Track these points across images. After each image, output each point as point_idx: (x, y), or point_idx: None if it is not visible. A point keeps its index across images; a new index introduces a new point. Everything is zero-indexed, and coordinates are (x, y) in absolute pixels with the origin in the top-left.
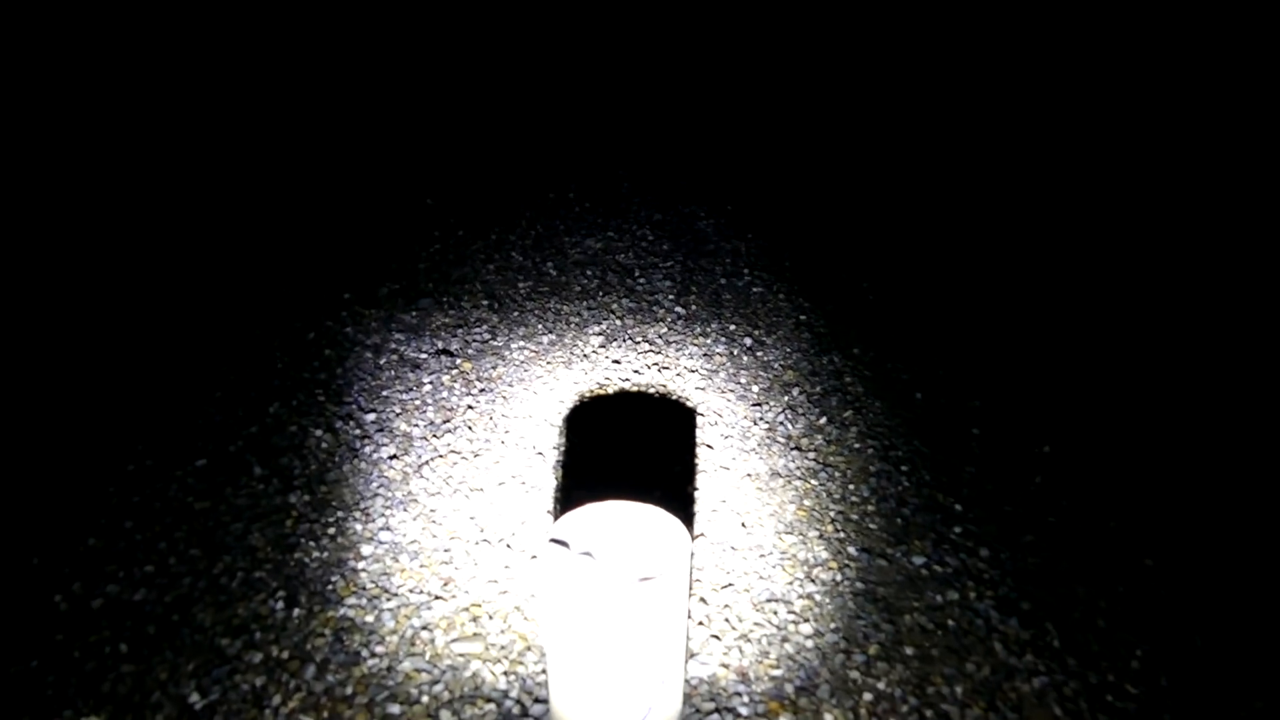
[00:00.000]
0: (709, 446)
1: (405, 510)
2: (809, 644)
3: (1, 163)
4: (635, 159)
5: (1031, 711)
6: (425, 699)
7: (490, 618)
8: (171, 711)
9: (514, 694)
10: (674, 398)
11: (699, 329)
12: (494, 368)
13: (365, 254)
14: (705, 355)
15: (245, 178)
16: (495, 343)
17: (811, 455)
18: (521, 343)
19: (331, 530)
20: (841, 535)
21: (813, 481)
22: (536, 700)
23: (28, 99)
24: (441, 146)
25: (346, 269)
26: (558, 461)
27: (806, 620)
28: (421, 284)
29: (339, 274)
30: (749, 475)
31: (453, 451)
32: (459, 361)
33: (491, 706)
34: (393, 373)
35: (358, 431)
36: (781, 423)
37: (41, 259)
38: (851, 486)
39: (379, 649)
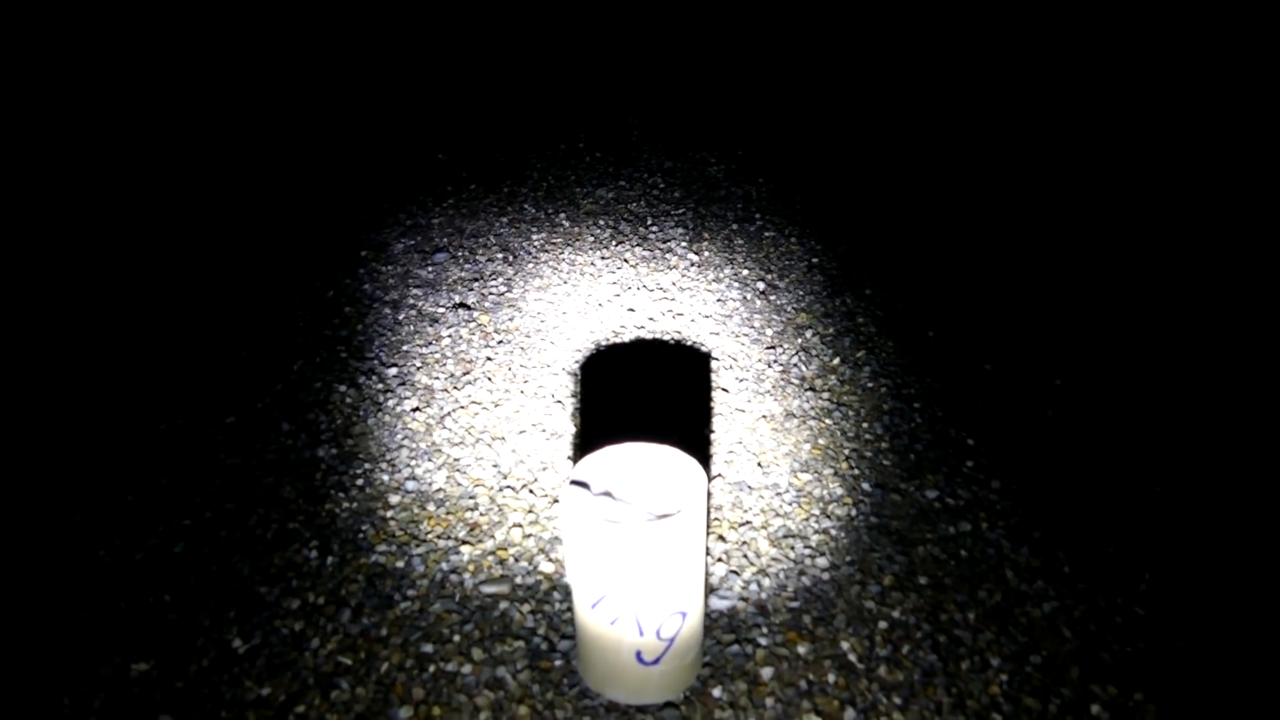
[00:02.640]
0: (724, 390)
1: (430, 460)
2: (825, 577)
3: (27, 125)
4: (645, 107)
5: (1042, 634)
6: (457, 638)
7: (516, 560)
8: (216, 656)
9: (541, 631)
10: (689, 343)
11: (712, 275)
12: (511, 320)
13: (380, 211)
14: (719, 300)
15: (259, 139)
16: (511, 295)
17: (825, 395)
18: (537, 294)
19: (360, 481)
20: (856, 472)
21: (827, 421)
22: (563, 637)
23: (61, 63)
24: (452, 101)
25: (361, 226)
26: (576, 409)
27: (822, 554)
28: (436, 239)
29: (354, 232)
30: (764, 416)
31: (473, 402)
32: (476, 314)
33: (520, 643)
34: (412, 327)
35: (380, 386)
36: (795, 364)
37: (69, 226)
38: (865, 424)
39: (410, 592)
